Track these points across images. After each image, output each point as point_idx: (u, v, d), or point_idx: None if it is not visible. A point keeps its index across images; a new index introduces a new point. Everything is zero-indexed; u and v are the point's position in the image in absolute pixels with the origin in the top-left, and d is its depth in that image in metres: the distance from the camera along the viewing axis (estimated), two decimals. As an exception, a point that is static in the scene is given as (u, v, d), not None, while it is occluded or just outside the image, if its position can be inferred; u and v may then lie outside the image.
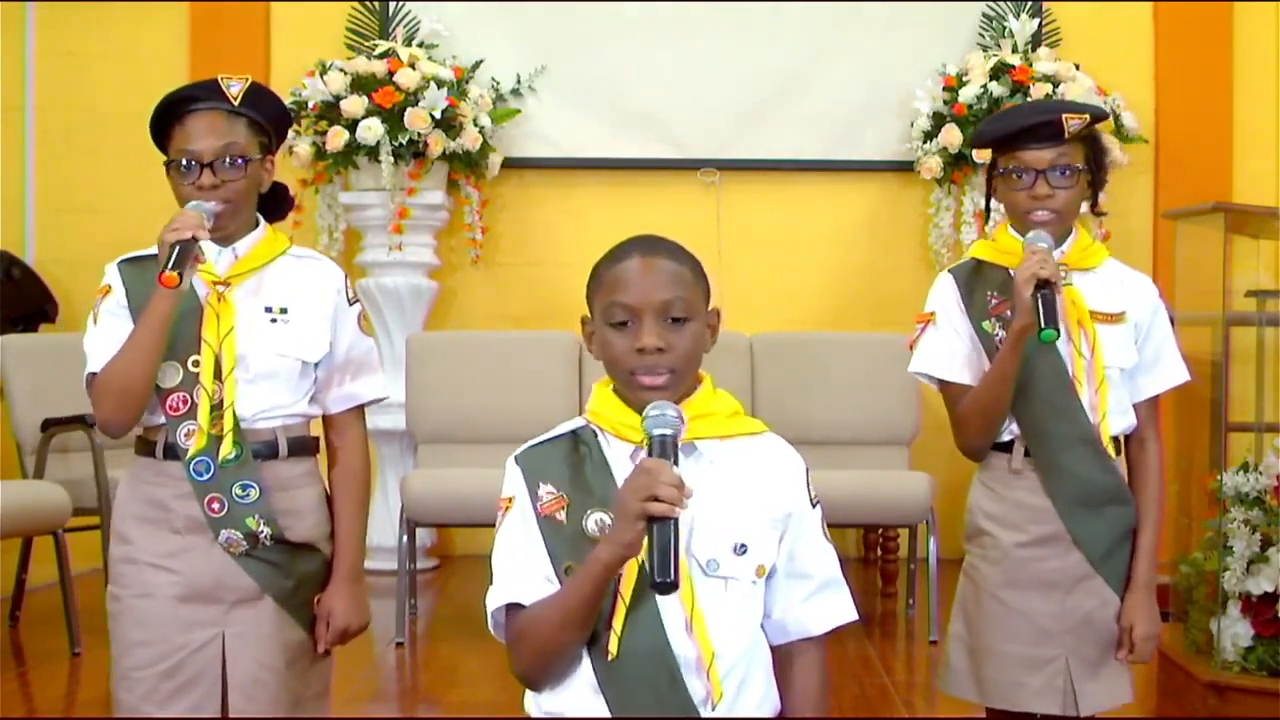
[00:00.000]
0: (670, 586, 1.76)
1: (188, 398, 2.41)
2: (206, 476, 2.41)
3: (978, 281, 2.67)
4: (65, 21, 6.55)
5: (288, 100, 6.09)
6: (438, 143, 5.97)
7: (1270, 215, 4.52)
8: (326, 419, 2.59)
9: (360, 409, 2.62)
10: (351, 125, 5.94)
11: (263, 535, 2.43)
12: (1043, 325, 2.43)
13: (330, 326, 2.55)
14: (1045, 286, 2.45)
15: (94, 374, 2.41)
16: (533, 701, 1.97)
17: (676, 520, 1.78)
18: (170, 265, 2.30)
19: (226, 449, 2.40)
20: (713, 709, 1.88)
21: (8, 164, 6.48)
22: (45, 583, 5.06)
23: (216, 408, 2.40)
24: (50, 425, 5.02)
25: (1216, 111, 6.42)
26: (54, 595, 4.80)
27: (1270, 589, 3.81)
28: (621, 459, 1.94)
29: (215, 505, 2.41)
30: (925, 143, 6.23)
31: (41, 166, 6.58)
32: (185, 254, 2.31)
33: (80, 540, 4.98)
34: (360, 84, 6.02)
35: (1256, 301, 4.54)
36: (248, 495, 2.42)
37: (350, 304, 2.59)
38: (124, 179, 6.17)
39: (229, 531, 2.42)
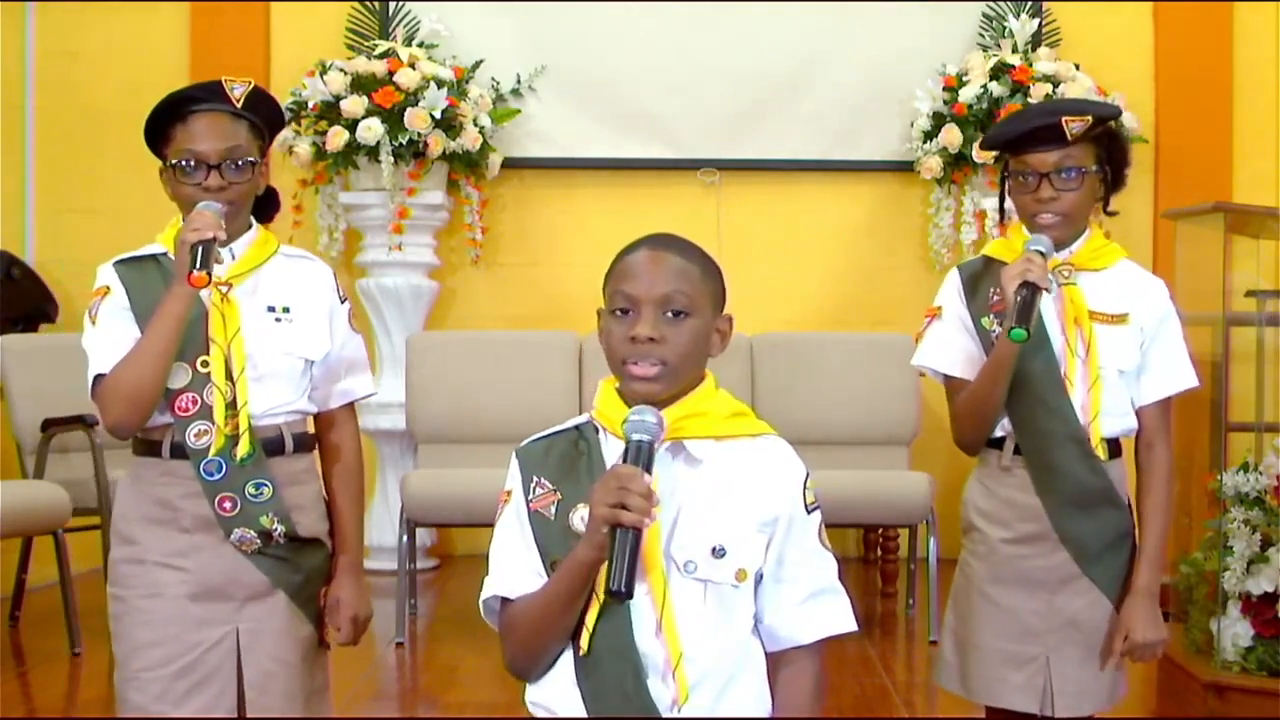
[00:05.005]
0: (622, 596, 1.77)
1: (197, 398, 2.41)
2: (218, 476, 2.42)
3: (984, 278, 2.67)
4: (65, 21, 6.55)
5: (288, 100, 6.10)
6: (438, 143, 5.96)
7: (1270, 215, 4.52)
8: (321, 416, 2.61)
9: (352, 405, 2.65)
10: (351, 125, 5.94)
11: (277, 532, 2.45)
12: (1013, 324, 2.46)
13: (328, 325, 2.56)
14: (1027, 288, 2.47)
15: (101, 375, 2.41)
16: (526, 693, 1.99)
17: (638, 530, 1.78)
18: (198, 265, 2.31)
19: (244, 448, 2.41)
20: (679, 710, 1.88)
21: (8, 164, 6.47)
22: (45, 583, 5.06)
23: (230, 407, 2.41)
24: (50, 425, 5.02)
25: (1216, 111, 6.42)
26: (54, 595, 4.80)
27: (1270, 589, 3.81)
28: (616, 456, 1.93)
29: (227, 504, 2.42)
30: (925, 143, 6.23)
31: (41, 166, 6.58)
32: (209, 253, 2.32)
33: (80, 540, 4.98)
34: (360, 84, 6.02)
35: (1256, 301, 4.53)
36: (261, 494, 2.43)
37: (341, 302, 2.61)
38: (124, 179, 6.16)
39: (242, 530, 2.43)
